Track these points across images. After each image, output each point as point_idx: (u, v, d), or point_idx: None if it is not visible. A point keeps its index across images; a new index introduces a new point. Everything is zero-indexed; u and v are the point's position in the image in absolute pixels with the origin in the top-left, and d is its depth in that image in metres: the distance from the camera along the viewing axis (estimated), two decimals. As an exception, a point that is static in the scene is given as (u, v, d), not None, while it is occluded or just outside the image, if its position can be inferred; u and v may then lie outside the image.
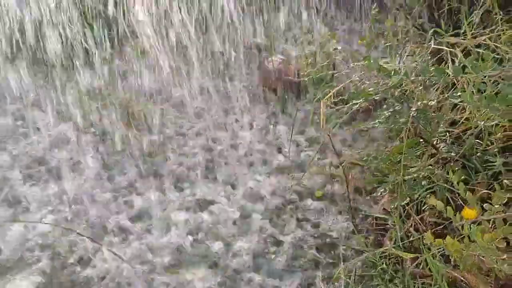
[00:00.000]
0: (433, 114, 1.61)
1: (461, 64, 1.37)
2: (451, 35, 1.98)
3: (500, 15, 1.94)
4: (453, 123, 1.69)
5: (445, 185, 1.47)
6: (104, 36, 2.79)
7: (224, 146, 2.16)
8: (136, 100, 2.34)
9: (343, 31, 2.71)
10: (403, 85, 1.54)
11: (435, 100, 1.52)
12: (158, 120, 2.29)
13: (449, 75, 1.39)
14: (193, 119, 2.35)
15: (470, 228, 0.99)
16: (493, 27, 1.71)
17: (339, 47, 1.71)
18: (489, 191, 1.34)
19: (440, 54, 1.84)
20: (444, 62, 1.66)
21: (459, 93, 1.51)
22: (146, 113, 2.28)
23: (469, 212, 0.98)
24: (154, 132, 2.26)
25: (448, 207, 1.08)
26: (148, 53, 2.57)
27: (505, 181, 1.31)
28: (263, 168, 2.04)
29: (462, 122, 1.62)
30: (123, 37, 2.82)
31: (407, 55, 2.04)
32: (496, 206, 1.08)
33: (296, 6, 2.76)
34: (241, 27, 2.67)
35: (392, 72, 1.41)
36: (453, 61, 1.59)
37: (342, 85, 1.57)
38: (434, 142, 1.66)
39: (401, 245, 1.45)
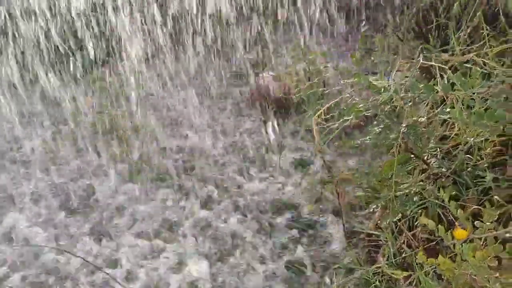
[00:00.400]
0: (423, 129, 1.62)
1: (450, 81, 1.38)
2: (440, 51, 2.00)
3: (487, 30, 1.97)
4: (444, 138, 1.69)
5: (437, 201, 1.47)
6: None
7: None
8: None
9: (334, 47, 2.73)
10: (393, 101, 1.54)
11: (425, 117, 1.52)
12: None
13: (438, 92, 1.40)
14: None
15: (462, 246, 0.99)
16: (481, 42, 1.74)
17: (329, 64, 1.73)
18: (480, 207, 1.35)
19: (430, 70, 1.86)
20: (433, 78, 1.67)
21: (448, 109, 1.52)
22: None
23: (460, 232, 0.98)
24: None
25: (440, 226, 1.07)
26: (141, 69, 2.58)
27: (495, 197, 1.31)
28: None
29: (452, 137, 1.63)
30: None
31: (396, 71, 2.06)
32: (487, 223, 1.08)
33: (288, 23, 2.79)
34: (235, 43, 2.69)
35: (382, 89, 1.42)
36: (442, 77, 1.61)
37: (332, 101, 1.57)
38: (425, 158, 1.66)
39: (394, 261, 1.45)
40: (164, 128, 2.42)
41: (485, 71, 1.52)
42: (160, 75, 2.71)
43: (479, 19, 1.90)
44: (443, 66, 1.61)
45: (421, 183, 1.59)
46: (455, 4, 2.01)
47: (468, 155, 1.57)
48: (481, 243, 1.08)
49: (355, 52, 1.90)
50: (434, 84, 1.45)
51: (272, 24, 2.76)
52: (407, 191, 1.59)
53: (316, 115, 1.51)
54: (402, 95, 1.44)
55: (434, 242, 1.44)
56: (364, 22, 2.16)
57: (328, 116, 1.64)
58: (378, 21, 2.46)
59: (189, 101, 2.50)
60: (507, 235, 1.06)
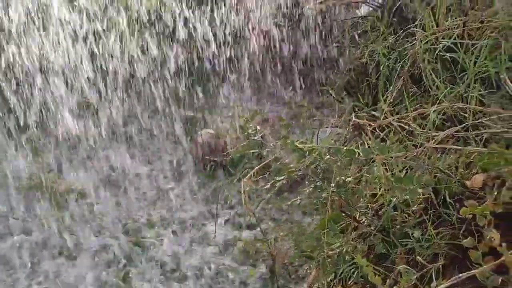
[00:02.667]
0: (353, 187, 1.66)
1: (370, 146, 1.43)
2: (371, 109, 2.09)
3: (415, 88, 2.07)
4: (374, 196, 1.73)
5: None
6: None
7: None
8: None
9: (271, 105, 2.79)
10: (321, 162, 1.58)
11: (352, 177, 1.56)
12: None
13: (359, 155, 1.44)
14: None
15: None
16: (404, 104, 1.83)
17: (258, 127, 1.76)
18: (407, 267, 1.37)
19: (361, 127, 1.93)
20: (366, 134, 1.73)
21: (375, 168, 1.57)
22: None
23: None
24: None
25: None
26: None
27: (418, 258, 1.34)
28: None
29: (381, 195, 1.67)
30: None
31: (331, 127, 2.12)
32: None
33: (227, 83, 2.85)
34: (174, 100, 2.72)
35: (307, 152, 1.45)
36: (373, 133, 1.67)
37: (264, 162, 1.59)
38: (356, 216, 1.69)
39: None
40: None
41: (409, 131, 1.60)
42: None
43: (404, 80, 2.00)
44: (372, 124, 1.67)
45: (351, 242, 1.61)
46: (382, 66, 2.12)
47: (397, 213, 1.61)
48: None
49: (282, 117, 1.96)
50: (357, 147, 1.50)
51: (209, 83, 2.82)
52: (338, 250, 1.60)
53: (247, 177, 1.52)
54: (327, 157, 1.48)
55: (365, 303, 1.44)
56: (290, 88, 2.23)
57: (261, 177, 1.66)
58: (313, 79, 2.55)
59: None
60: (422, 301, 1.07)
